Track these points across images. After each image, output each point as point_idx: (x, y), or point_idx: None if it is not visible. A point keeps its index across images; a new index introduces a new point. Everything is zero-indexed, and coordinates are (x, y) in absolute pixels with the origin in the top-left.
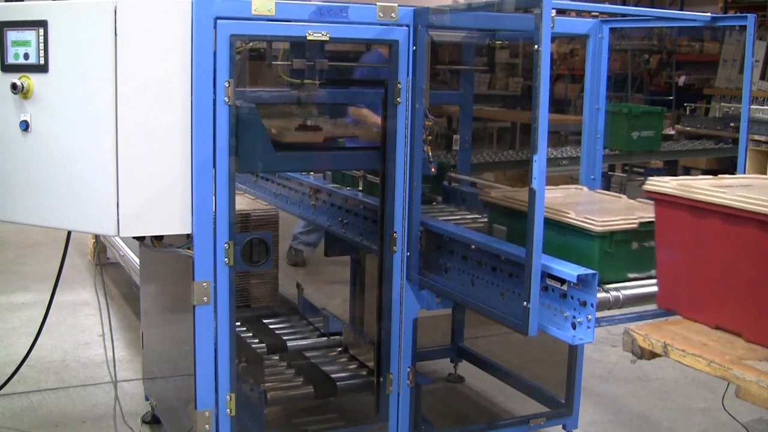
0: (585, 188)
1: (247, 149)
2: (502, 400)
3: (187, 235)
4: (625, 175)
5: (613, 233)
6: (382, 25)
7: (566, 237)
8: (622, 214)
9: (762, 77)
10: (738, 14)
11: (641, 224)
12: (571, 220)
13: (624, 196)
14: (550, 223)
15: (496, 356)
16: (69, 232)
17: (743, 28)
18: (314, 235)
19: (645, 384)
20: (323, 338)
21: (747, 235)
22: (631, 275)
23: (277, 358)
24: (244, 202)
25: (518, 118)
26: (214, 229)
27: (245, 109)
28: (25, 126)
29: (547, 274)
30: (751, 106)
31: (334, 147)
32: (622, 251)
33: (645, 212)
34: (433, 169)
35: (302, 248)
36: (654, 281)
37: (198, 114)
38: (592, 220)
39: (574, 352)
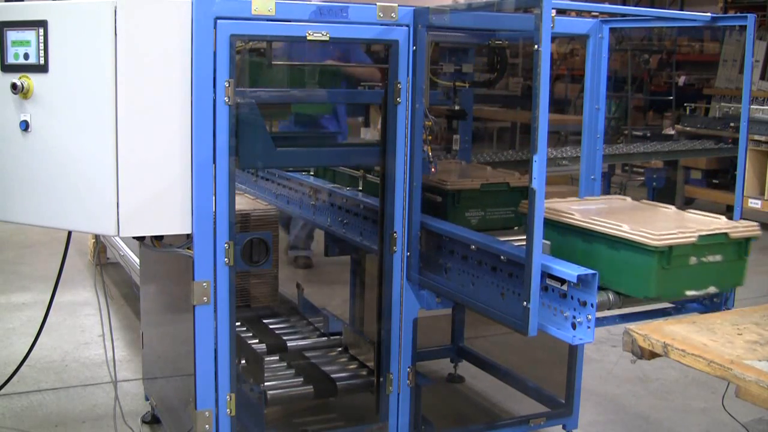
0: (628, 198)
1: (247, 145)
2: (502, 400)
3: (187, 235)
4: (625, 175)
5: (671, 248)
6: (382, 25)
7: (619, 252)
8: (677, 226)
9: (762, 77)
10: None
11: (700, 237)
12: (625, 234)
13: (672, 207)
14: (600, 237)
15: (496, 356)
16: (69, 232)
17: (743, 28)
18: (304, 233)
19: (645, 384)
20: (323, 338)
21: None
22: (689, 293)
23: (277, 358)
24: (244, 202)
25: (518, 118)
26: (214, 229)
27: (245, 107)
28: (25, 126)
29: (547, 274)
30: (751, 106)
31: (335, 144)
32: (679, 267)
33: (700, 224)
34: (433, 169)
35: (306, 254)
36: None
37: (198, 114)
38: (648, 233)
39: (574, 352)
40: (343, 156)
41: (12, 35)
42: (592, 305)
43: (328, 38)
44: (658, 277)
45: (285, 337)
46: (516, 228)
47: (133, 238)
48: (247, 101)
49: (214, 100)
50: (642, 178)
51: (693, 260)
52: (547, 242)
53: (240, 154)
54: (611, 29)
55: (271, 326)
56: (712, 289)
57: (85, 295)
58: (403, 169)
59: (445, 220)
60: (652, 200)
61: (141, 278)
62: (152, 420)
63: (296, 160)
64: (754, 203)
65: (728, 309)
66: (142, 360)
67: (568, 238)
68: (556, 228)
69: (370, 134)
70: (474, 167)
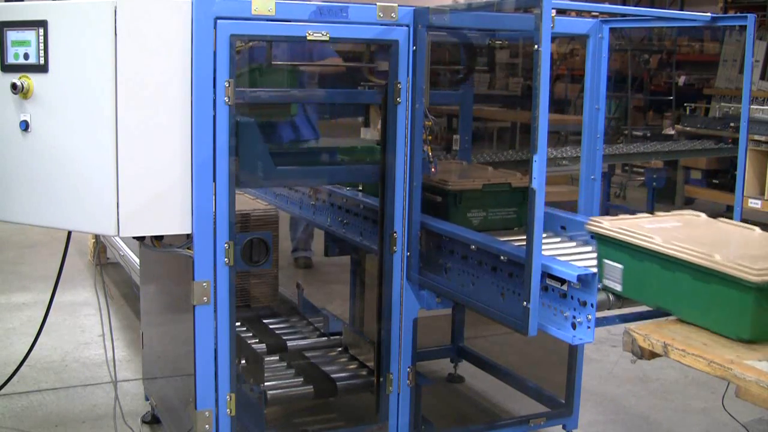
0: (703, 215)
1: (246, 164)
2: (502, 400)
3: (187, 235)
4: (625, 175)
5: None
6: (382, 25)
7: (709, 285)
8: None
9: (762, 77)
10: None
11: None
12: (719, 267)
13: (756, 229)
14: (685, 266)
15: (496, 356)
16: (69, 232)
17: (743, 28)
18: (305, 235)
19: (645, 384)
20: (323, 338)
21: None
22: None
23: (277, 358)
24: (244, 202)
25: (518, 118)
26: (214, 229)
27: (245, 125)
28: (25, 126)
29: (547, 274)
30: (751, 106)
31: (334, 162)
32: None
33: None
34: (433, 169)
35: (306, 254)
36: None
37: (198, 114)
38: (746, 267)
39: (574, 352)
40: (345, 174)
41: (12, 35)
42: (592, 305)
43: (328, 38)
44: (756, 316)
45: (285, 337)
46: (516, 228)
47: (133, 238)
48: (248, 120)
49: (214, 100)
50: (642, 178)
51: None
52: (619, 265)
53: (240, 175)
54: (611, 29)
55: (271, 326)
56: None
57: (85, 295)
58: (403, 169)
59: (447, 221)
60: (652, 200)
61: (141, 278)
62: (152, 420)
63: (297, 178)
64: (754, 203)
65: None
66: (142, 360)
67: (644, 263)
68: (628, 250)
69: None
70: (475, 167)
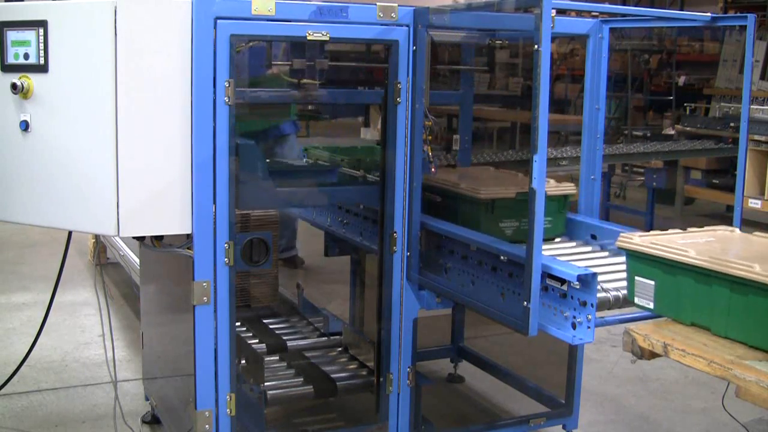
0: (737, 230)
1: (246, 187)
2: (502, 400)
3: (187, 235)
4: (625, 175)
5: None
6: (382, 25)
7: (748, 297)
8: None
9: (762, 77)
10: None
11: None
12: (760, 278)
13: None
14: (722, 278)
15: (496, 356)
16: (69, 232)
17: (743, 28)
18: (287, 232)
19: (645, 384)
20: (323, 338)
21: None
22: None
23: (277, 358)
24: None
25: (518, 118)
26: (214, 229)
27: (245, 147)
28: (25, 126)
29: (547, 274)
30: (751, 106)
31: (335, 183)
32: None
33: None
34: (433, 169)
35: (291, 253)
36: None
37: (198, 114)
38: None
39: (574, 352)
40: (344, 193)
41: (12, 35)
42: (592, 305)
43: (328, 38)
44: None
45: (285, 337)
46: (555, 239)
47: (133, 238)
48: (249, 143)
49: (214, 100)
50: (642, 178)
51: None
52: (651, 282)
53: (240, 197)
54: (611, 29)
55: (271, 326)
56: None
57: (85, 295)
58: (403, 169)
59: (477, 231)
60: (652, 200)
61: (141, 278)
62: (152, 420)
63: (298, 201)
64: (754, 203)
65: None
66: (142, 360)
67: (679, 278)
68: (661, 265)
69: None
70: (504, 174)
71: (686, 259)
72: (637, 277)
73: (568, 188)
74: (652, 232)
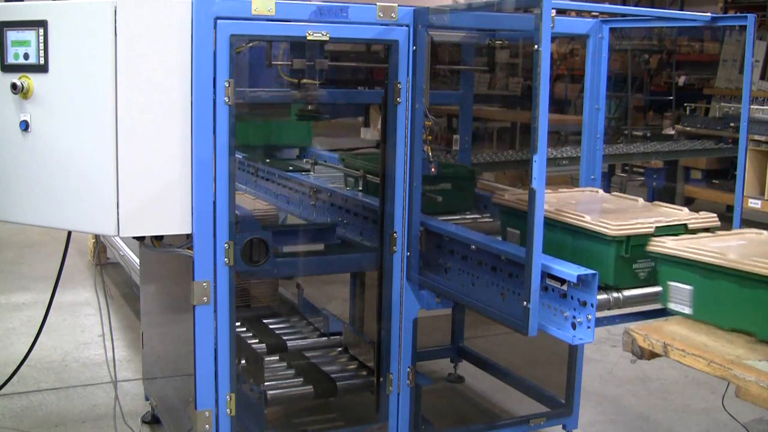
0: (765, 233)
1: (246, 256)
2: (502, 400)
3: (187, 235)
4: (625, 175)
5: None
6: (382, 25)
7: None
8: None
9: (762, 77)
10: (738, 14)
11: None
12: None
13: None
14: (765, 281)
15: (496, 356)
16: (69, 232)
17: (743, 28)
18: None
19: (645, 384)
20: (323, 338)
21: None
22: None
23: (277, 358)
24: (244, 202)
25: (518, 118)
26: (214, 229)
27: (247, 218)
28: (25, 126)
29: (547, 274)
30: (751, 106)
31: (334, 252)
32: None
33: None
34: (433, 169)
35: None
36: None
37: (198, 114)
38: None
39: (574, 352)
40: (342, 262)
41: (12, 35)
42: (592, 305)
43: (328, 38)
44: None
45: (285, 337)
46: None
47: (133, 238)
48: (249, 218)
49: (214, 100)
50: (642, 178)
51: None
52: (688, 287)
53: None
54: (611, 29)
55: (271, 326)
56: None
57: (85, 295)
58: (403, 169)
59: (598, 271)
60: (652, 200)
61: (141, 278)
62: (152, 420)
63: (297, 270)
64: (754, 203)
65: None
66: (142, 360)
67: (718, 282)
68: (699, 269)
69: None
70: (623, 200)
71: (726, 263)
72: (671, 282)
73: (710, 220)
74: (682, 237)
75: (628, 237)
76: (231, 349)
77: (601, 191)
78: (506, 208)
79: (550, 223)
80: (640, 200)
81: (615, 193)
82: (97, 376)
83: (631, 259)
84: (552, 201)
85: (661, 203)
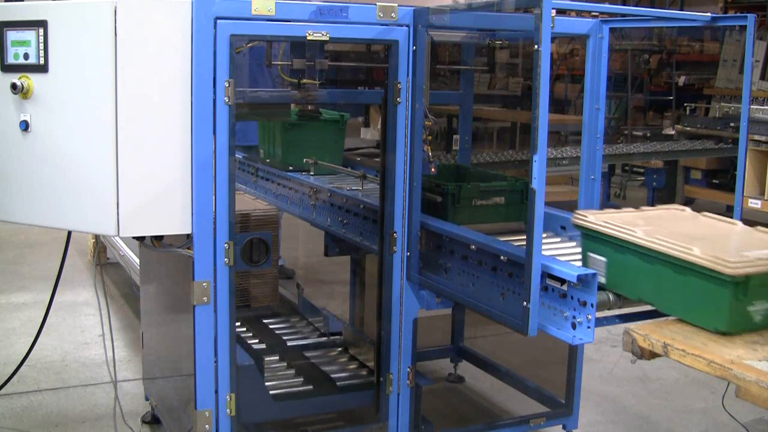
0: (688, 209)
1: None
2: (502, 400)
3: (187, 235)
4: (625, 175)
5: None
6: (382, 25)
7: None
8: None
9: (762, 77)
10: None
11: None
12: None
13: (739, 223)
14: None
15: (496, 356)
16: (69, 232)
17: (743, 28)
18: None
19: (645, 384)
20: (323, 338)
21: None
22: None
23: (277, 358)
24: (244, 202)
25: (518, 118)
26: (214, 229)
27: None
28: (25, 126)
29: (547, 274)
30: (751, 106)
31: (332, 391)
32: None
33: None
34: (433, 169)
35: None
36: None
37: (198, 114)
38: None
39: (574, 352)
40: (340, 400)
41: (12, 35)
42: (592, 305)
43: (328, 38)
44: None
45: (285, 337)
46: (557, 239)
47: (133, 238)
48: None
49: (214, 100)
50: (642, 178)
51: None
52: (602, 258)
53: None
54: (611, 29)
55: (271, 326)
56: None
57: (85, 295)
58: (403, 169)
59: (717, 320)
60: (652, 200)
61: (141, 278)
62: (152, 420)
63: (297, 411)
64: (754, 203)
65: None
66: (142, 360)
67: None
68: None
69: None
70: (712, 222)
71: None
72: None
73: None
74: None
75: (747, 277)
76: (231, 349)
77: (687, 209)
78: (590, 232)
79: (646, 253)
80: (739, 224)
81: (705, 213)
82: (97, 376)
83: (747, 301)
84: (638, 222)
85: (761, 228)
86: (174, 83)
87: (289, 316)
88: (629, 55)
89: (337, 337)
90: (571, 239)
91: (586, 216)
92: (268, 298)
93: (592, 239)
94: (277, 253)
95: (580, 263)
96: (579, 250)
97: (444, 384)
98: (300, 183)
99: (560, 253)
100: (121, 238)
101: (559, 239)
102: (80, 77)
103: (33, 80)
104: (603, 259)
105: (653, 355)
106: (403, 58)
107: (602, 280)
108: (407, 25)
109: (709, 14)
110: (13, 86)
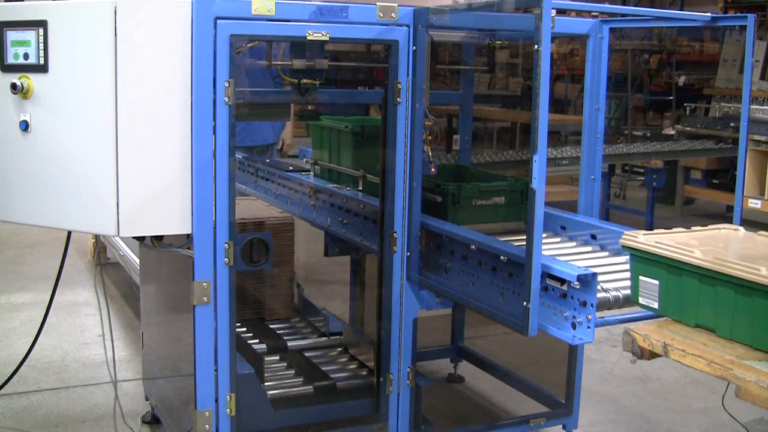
0: (741, 229)
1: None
2: (502, 400)
3: (187, 235)
4: (625, 175)
5: None
6: (382, 25)
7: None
8: None
9: (762, 77)
10: (738, 14)
11: None
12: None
13: None
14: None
15: (496, 356)
16: (69, 232)
17: (743, 28)
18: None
19: (645, 384)
20: (323, 338)
21: None
22: None
23: (277, 358)
24: (258, 209)
25: (518, 118)
26: (214, 229)
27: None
28: (25, 126)
29: (547, 274)
30: (751, 106)
31: (332, 395)
32: None
33: None
34: (433, 169)
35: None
36: None
37: (198, 114)
38: None
39: (574, 352)
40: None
41: (12, 35)
42: (592, 305)
43: (328, 38)
44: None
45: (285, 337)
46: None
47: (133, 238)
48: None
49: (214, 100)
50: (642, 178)
51: None
52: (655, 281)
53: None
54: (611, 29)
55: (271, 326)
56: None
57: (85, 295)
58: (403, 169)
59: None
60: (652, 200)
61: (141, 278)
62: (152, 420)
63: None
64: (754, 203)
65: None
66: (142, 360)
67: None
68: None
69: None
70: None
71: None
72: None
73: None
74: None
75: None
76: (231, 349)
77: (741, 228)
78: (641, 254)
79: (706, 274)
80: None
81: (761, 232)
82: (97, 376)
83: None
84: (691, 242)
85: None
86: (174, 83)
87: (289, 317)
88: (629, 55)
89: (337, 337)
90: (571, 239)
91: (636, 237)
92: (284, 311)
93: (642, 261)
94: (292, 265)
95: (580, 263)
96: (579, 250)
97: (444, 384)
98: (300, 183)
99: (560, 253)
100: (121, 238)
101: (559, 239)
102: (80, 77)
103: (33, 80)
104: (656, 282)
105: (653, 355)
106: (403, 58)
107: (654, 305)
108: (407, 25)
109: (709, 14)
110: (13, 86)
